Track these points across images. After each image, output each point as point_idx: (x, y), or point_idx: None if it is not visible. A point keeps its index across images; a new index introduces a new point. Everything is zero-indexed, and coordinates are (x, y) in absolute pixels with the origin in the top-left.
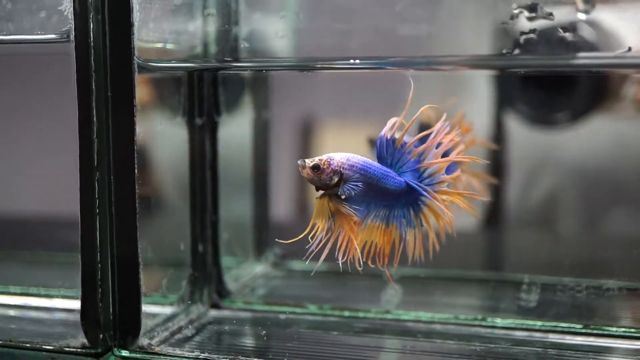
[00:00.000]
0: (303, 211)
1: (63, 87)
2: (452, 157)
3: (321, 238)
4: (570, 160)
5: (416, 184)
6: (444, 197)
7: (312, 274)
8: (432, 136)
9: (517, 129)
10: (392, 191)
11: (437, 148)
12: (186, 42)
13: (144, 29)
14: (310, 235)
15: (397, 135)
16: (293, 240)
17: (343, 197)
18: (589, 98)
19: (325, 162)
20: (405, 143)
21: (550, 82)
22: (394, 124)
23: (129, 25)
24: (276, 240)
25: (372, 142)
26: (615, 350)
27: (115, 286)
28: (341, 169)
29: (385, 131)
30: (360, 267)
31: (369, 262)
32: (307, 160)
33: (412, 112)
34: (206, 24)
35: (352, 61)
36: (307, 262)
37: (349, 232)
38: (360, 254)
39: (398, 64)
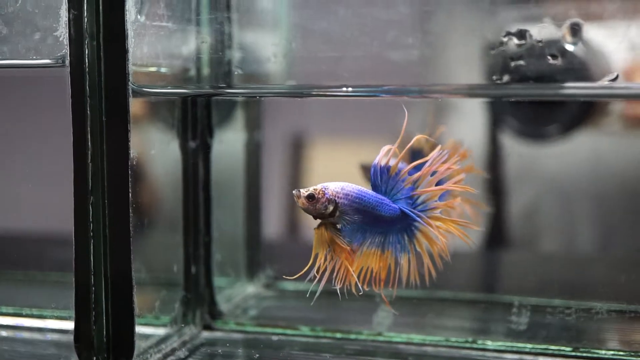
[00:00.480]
0: (295, 231)
1: (60, 109)
2: (446, 185)
3: (319, 267)
4: (561, 179)
5: (410, 211)
6: (438, 223)
7: (311, 300)
8: (427, 164)
9: (510, 149)
10: (387, 218)
11: (432, 176)
12: (180, 66)
13: (138, 54)
14: (314, 267)
15: (390, 163)
16: (298, 275)
17: (339, 226)
18: (578, 112)
19: (320, 192)
20: (399, 170)
21: None
22: (387, 151)
23: (124, 51)
24: (284, 277)
25: (365, 169)
26: None
27: (109, 307)
28: (336, 198)
29: (379, 159)
30: (359, 293)
31: (366, 287)
32: (302, 190)
33: (403, 138)
34: (200, 48)
35: (344, 89)
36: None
37: (346, 261)
38: (357, 280)
39: (390, 92)
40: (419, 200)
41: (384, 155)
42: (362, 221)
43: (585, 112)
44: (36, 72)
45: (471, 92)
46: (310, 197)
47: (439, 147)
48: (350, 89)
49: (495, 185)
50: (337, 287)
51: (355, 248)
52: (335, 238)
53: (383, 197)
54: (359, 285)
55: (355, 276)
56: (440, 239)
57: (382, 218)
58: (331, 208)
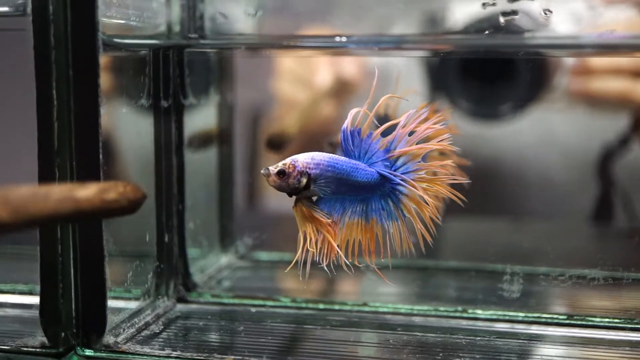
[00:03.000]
0: (265, 199)
1: (22, 64)
2: (428, 145)
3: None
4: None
5: (390, 173)
6: (424, 185)
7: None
8: (401, 124)
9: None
10: (364, 184)
11: (409, 135)
12: (150, 20)
13: (106, 3)
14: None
15: (360, 128)
16: (295, 260)
17: (315, 198)
18: (525, 91)
19: (290, 166)
20: (371, 133)
21: (488, 77)
22: (355, 115)
23: None
24: (284, 270)
25: (332, 146)
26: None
27: (77, 280)
28: (307, 169)
29: (348, 124)
30: (349, 269)
31: (356, 261)
32: (270, 167)
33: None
34: (171, 2)
35: (337, 39)
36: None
37: (328, 235)
38: (341, 254)
39: (389, 43)
40: (399, 162)
41: (352, 119)
42: (339, 190)
43: (534, 91)
44: None
45: (453, 41)
46: (281, 173)
47: (420, 107)
48: (344, 38)
49: None
50: (324, 265)
51: (336, 220)
52: (313, 213)
53: (357, 162)
54: (345, 260)
55: (339, 250)
56: (429, 201)
57: (359, 184)
58: (304, 181)
